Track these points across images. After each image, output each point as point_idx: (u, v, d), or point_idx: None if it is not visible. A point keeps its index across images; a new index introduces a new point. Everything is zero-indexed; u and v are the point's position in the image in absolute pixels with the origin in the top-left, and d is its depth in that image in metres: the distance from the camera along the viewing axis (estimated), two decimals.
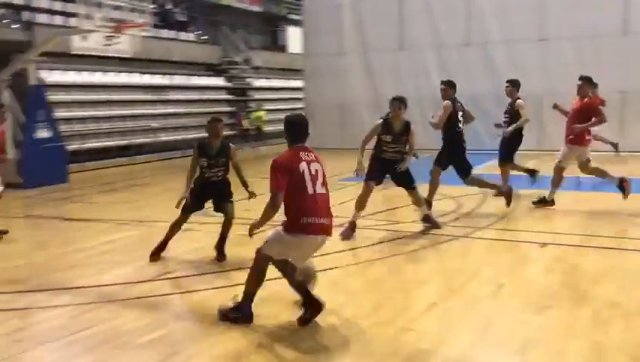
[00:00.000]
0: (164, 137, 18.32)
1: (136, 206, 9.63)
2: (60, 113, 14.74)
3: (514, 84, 9.43)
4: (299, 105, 22.60)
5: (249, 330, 4.45)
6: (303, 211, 4.29)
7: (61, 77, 16.03)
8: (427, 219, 7.55)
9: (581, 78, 8.41)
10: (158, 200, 9.91)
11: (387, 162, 7.32)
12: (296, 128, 4.52)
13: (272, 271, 4.58)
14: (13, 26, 14.94)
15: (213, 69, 21.70)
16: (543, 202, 8.57)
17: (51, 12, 16.62)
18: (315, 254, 4.69)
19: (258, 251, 4.50)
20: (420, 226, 7.63)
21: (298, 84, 22.17)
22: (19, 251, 7.40)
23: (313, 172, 4.35)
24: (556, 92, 14.72)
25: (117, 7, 13.24)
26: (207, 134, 6.45)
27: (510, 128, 9.13)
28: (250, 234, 4.44)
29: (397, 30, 18.62)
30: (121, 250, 7.12)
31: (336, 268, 6.01)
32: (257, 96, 23.12)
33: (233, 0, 24.92)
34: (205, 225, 7.38)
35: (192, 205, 6.39)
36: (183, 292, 5.52)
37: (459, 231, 7.53)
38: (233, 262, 6.13)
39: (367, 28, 19.00)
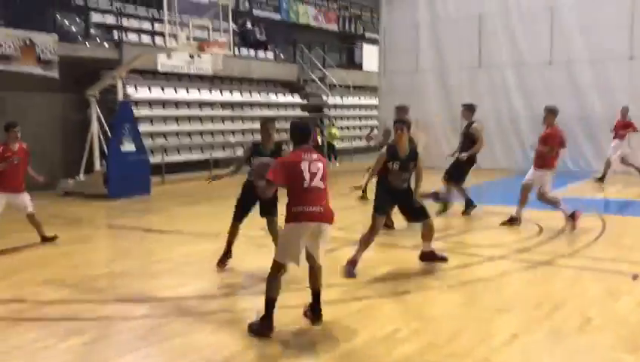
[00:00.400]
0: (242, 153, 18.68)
1: (214, 219, 9.79)
2: (144, 128, 15.37)
3: (469, 108, 9.85)
4: (373, 122, 22.53)
5: (322, 352, 4.38)
6: (296, 202, 4.72)
7: (146, 93, 16.74)
8: (431, 255, 6.72)
9: (545, 109, 8.79)
10: None
11: (395, 192, 6.55)
12: (298, 132, 4.95)
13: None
14: (104, 45, 15.78)
15: (290, 87, 22.03)
16: (571, 223, 8.50)
17: (140, 31, 17.46)
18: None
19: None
20: (499, 250, 7.35)
21: (373, 101, 22.12)
22: (100, 260, 7.71)
23: (314, 170, 4.75)
24: None
25: (201, 27, 13.69)
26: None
27: (464, 154, 9.49)
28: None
29: (475, 48, 18.17)
30: (198, 262, 7.23)
31: (410, 292, 5.86)
32: (333, 113, 23.24)
33: (310, 19, 25.30)
34: None
35: (240, 212, 6.63)
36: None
37: (542, 257, 7.17)
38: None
39: (444, 45, 18.69)
